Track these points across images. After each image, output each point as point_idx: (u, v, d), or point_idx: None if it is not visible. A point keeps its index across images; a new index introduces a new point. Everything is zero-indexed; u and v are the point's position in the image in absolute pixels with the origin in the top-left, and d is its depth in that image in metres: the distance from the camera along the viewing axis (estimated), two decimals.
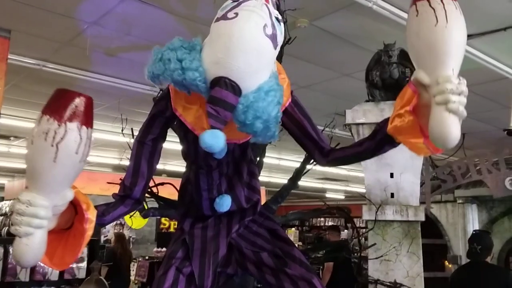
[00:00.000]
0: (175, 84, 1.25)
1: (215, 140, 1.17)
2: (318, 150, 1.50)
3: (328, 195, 16.26)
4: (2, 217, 13.17)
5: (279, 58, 2.30)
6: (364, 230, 2.44)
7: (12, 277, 3.48)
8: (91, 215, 1.24)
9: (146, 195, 2.10)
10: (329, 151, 1.49)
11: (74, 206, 1.24)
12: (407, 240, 2.26)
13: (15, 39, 3.83)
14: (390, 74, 2.50)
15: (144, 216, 2.47)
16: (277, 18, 1.27)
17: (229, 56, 1.18)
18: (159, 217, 9.32)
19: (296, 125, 1.50)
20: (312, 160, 2.41)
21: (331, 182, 14.15)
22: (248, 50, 1.19)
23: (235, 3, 1.22)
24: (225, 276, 1.61)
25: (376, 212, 2.17)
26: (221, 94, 1.17)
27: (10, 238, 5.34)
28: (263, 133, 1.29)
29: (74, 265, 3.89)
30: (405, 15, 3.34)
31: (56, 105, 1.13)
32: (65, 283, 3.75)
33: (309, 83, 5.14)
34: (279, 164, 10.41)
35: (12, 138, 9.37)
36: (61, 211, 1.20)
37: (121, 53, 4.38)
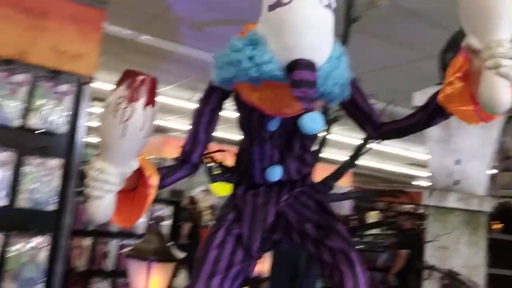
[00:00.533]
0: (251, 80, 1.29)
1: (314, 123, 1.22)
2: (371, 124, 1.53)
3: (418, 182, 15.66)
4: None
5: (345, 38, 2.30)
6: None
7: (105, 226, 3.78)
8: (154, 181, 1.37)
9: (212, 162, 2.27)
10: (382, 125, 1.52)
11: (139, 170, 1.37)
12: (468, 230, 2.19)
13: (111, 12, 4.17)
14: None
15: (213, 181, 2.64)
16: None
17: (298, 39, 1.21)
18: None
19: (348, 99, 1.50)
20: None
21: (422, 169, 13.60)
22: (314, 27, 1.23)
23: None
24: (271, 242, 1.70)
25: (428, 197, 2.13)
26: (301, 75, 1.21)
27: None
28: (339, 96, 1.38)
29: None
30: None
31: (127, 87, 1.25)
32: None
33: (392, 64, 5.01)
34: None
35: None
36: (127, 175, 1.33)
37: (206, 27, 4.58)
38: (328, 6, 1.25)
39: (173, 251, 2.33)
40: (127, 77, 1.26)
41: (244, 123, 1.61)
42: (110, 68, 6.66)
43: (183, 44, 5.23)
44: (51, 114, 2.85)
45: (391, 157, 10.94)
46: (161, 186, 1.51)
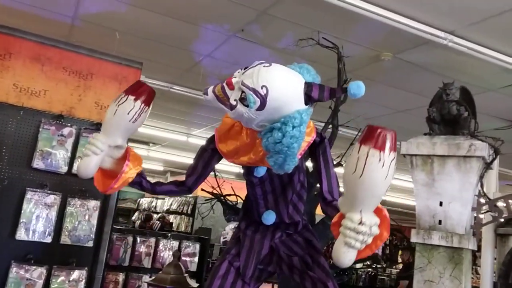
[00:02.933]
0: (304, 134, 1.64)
1: (359, 89, 1.53)
2: (321, 197, 1.80)
3: None
4: (138, 211, 14.77)
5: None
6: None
7: (137, 262, 4.02)
8: (131, 164, 1.75)
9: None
10: (329, 202, 1.76)
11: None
12: (451, 265, 2.42)
13: (149, 68, 4.72)
14: (448, 110, 2.67)
15: (228, 220, 3.01)
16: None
17: (294, 88, 1.59)
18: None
19: (315, 164, 1.84)
20: None
21: None
22: (285, 77, 1.60)
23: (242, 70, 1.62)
24: (267, 273, 2.01)
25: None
26: (316, 91, 1.60)
27: (139, 230, 6.26)
28: None
29: (188, 259, 4.51)
30: (478, 48, 3.49)
31: (130, 87, 1.75)
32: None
33: (407, 108, 5.32)
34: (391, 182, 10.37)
35: (151, 144, 10.81)
36: (115, 155, 1.74)
37: None
38: (270, 63, 1.62)
39: (189, 280, 2.68)
40: (135, 83, 1.78)
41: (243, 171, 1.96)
42: (150, 115, 7.29)
43: None
44: None
45: None
46: (153, 191, 1.92)
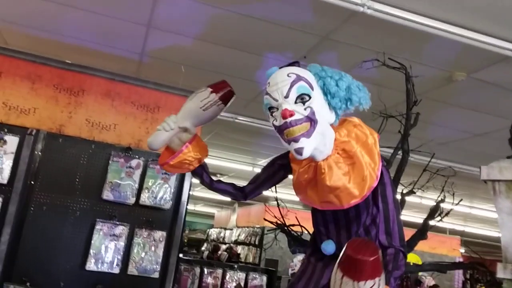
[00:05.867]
0: None
1: None
2: (378, 240, 1.73)
3: None
4: (206, 242, 14.88)
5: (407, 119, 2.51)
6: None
7: None
8: (192, 147, 1.85)
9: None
10: (383, 247, 1.68)
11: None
12: None
13: None
14: None
15: (293, 252, 2.90)
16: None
17: None
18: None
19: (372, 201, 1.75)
20: (437, 216, 2.51)
21: None
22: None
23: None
24: None
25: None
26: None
27: (207, 261, 6.28)
28: None
29: None
30: None
31: (213, 83, 1.89)
32: None
33: (484, 131, 4.96)
34: (470, 212, 9.75)
35: (218, 175, 10.95)
36: (183, 138, 1.84)
37: None
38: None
39: None
40: (220, 81, 1.92)
41: None
42: (214, 145, 7.43)
43: None
44: (159, 192, 3.32)
45: None
46: (210, 186, 1.97)
